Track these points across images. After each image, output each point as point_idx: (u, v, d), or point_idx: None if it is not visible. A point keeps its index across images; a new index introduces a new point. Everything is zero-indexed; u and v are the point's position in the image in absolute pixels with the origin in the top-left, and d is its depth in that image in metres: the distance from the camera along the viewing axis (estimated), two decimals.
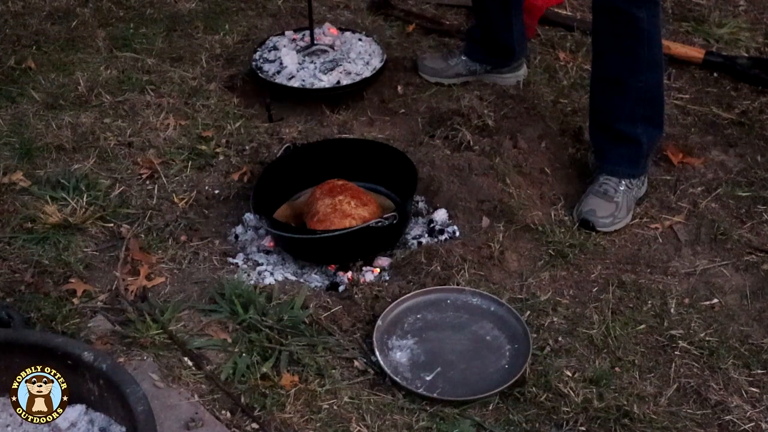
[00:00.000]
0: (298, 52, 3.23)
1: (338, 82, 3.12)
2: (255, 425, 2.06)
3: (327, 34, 3.35)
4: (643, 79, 2.59)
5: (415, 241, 2.61)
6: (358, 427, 2.07)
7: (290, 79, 3.14)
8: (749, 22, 3.60)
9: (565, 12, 3.66)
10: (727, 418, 2.11)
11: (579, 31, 3.50)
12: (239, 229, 2.67)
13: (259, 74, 3.16)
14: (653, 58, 2.59)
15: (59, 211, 2.62)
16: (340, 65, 3.17)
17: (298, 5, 3.74)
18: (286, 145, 2.83)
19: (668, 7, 3.68)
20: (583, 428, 2.08)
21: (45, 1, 3.80)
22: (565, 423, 2.08)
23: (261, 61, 3.24)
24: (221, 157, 2.90)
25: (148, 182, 2.80)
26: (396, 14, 3.69)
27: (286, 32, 3.37)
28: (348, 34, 3.38)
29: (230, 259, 2.55)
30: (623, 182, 2.67)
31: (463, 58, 3.23)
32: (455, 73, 3.23)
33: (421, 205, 2.75)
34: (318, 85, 3.10)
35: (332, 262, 2.56)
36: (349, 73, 3.16)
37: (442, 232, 2.62)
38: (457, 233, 2.61)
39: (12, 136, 2.98)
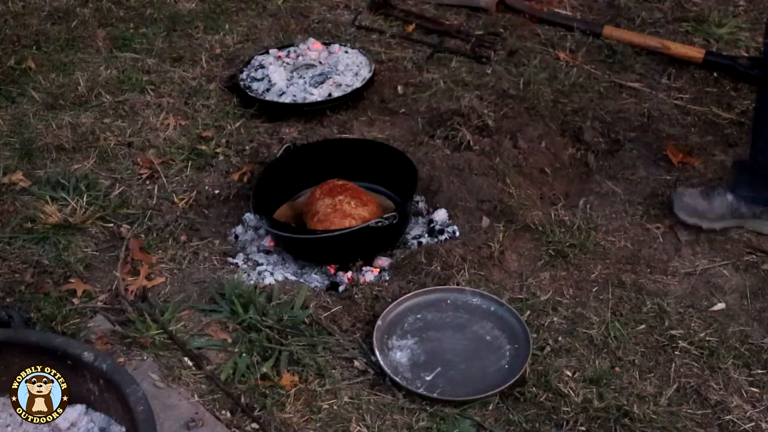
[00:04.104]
0: (285, 58, 3.21)
1: (329, 94, 3.11)
2: (255, 425, 2.06)
3: (312, 48, 3.34)
4: None
5: (415, 241, 2.61)
6: (358, 427, 2.07)
7: (281, 95, 3.13)
8: (749, 22, 3.60)
9: (565, 12, 3.66)
10: (727, 418, 2.11)
11: (579, 31, 3.50)
12: (239, 229, 2.67)
13: (249, 93, 3.15)
14: None
15: (59, 211, 2.62)
16: (330, 78, 3.17)
17: (298, 5, 3.74)
18: (286, 145, 2.83)
19: (668, 7, 3.69)
20: (583, 428, 2.08)
21: (45, 1, 3.81)
22: (565, 423, 2.08)
23: (249, 80, 3.23)
24: (221, 157, 2.90)
25: (148, 182, 2.80)
26: (396, 14, 3.69)
27: (271, 50, 3.37)
28: (333, 47, 3.37)
29: (230, 259, 2.55)
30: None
31: (729, 197, 2.65)
32: (718, 215, 2.65)
33: (421, 205, 2.75)
34: (310, 99, 3.09)
35: (332, 262, 2.56)
36: (340, 85, 3.15)
37: (442, 232, 2.61)
38: (457, 233, 2.61)
39: (12, 136, 2.99)
